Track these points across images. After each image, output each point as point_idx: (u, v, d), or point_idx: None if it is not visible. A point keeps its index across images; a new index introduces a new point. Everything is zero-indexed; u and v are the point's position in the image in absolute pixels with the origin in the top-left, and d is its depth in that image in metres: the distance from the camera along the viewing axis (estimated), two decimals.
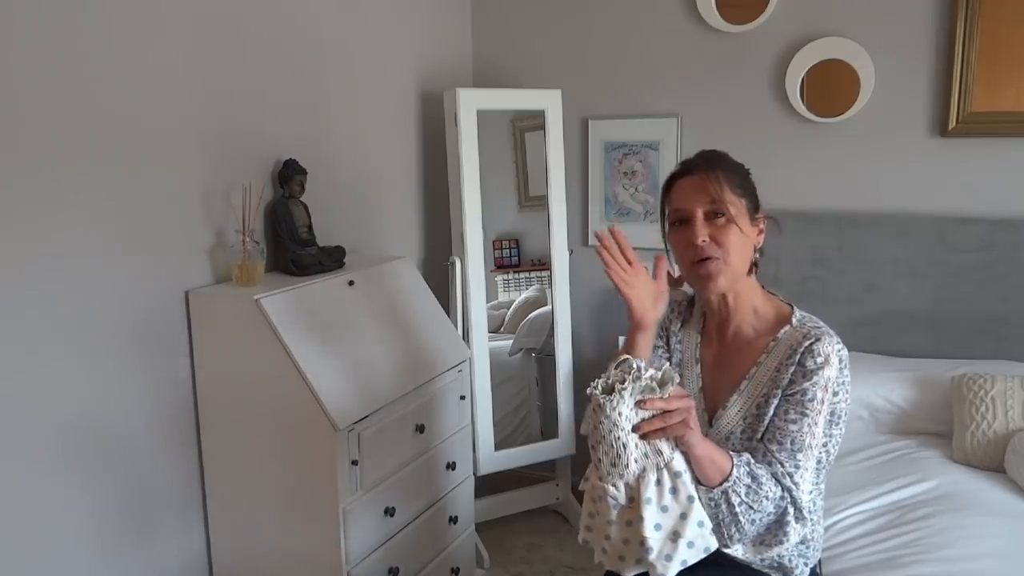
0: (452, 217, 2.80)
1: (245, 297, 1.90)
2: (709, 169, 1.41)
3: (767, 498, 1.32)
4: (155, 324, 1.92)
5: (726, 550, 1.37)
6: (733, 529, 1.32)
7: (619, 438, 1.25)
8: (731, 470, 1.30)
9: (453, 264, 2.72)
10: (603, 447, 1.27)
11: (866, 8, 2.63)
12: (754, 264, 1.46)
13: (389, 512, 2.03)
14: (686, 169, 1.45)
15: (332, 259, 2.22)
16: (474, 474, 2.59)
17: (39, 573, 1.70)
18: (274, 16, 2.21)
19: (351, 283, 2.16)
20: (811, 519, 1.41)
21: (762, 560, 1.44)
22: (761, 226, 1.47)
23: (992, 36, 2.48)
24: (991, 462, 2.14)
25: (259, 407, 1.94)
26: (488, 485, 2.93)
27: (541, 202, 2.90)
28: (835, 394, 1.38)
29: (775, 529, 1.38)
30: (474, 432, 2.68)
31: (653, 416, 1.25)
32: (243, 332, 1.91)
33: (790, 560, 1.45)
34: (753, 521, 1.33)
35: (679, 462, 1.28)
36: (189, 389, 2.02)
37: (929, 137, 2.62)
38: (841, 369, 1.38)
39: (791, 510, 1.36)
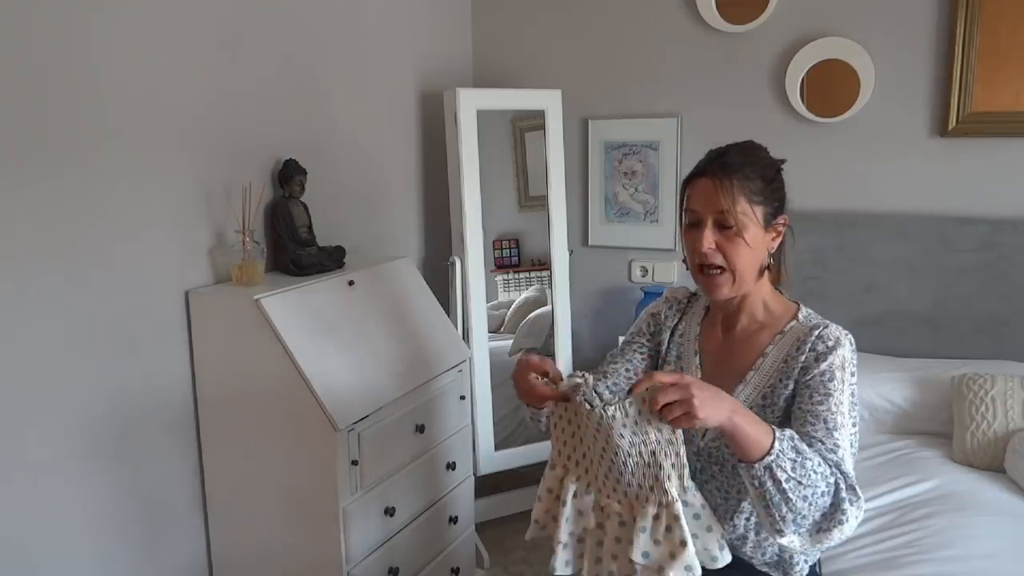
0: (452, 217, 2.80)
1: (245, 297, 1.90)
2: (725, 176, 1.36)
3: (815, 472, 1.21)
4: (155, 324, 1.92)
5: (781, 540, 1.25)
6: (784, 509, 1.21)
7: (630, 457, 1.26)
8: (772, 443, 1.20)
9: (453, 264, 2.72)
10: (606, 461, 1.29)
11: (866, 8, 2.63)
12: (766, 267, 1.45)
13: (389, 512, 2.03)
14: (703, 171, 1.41)
15: (332, 259, 2.22)
16: (474, 474, 2.59)
17: (41, 573, 1.70)
18: (274, 16, 2.21)
19: (351, 283, 2.16)
20: (863, 500, 1.31)
21: (807, 554, 1.45)
22: (779, 229, 1.44)
23: (992, 36, 2.48)
24: (991, 462, 2.14)
25: (259, 407, 1.94)
26: (488, 485, 2.93)
27: (541, 202, 2.90)
28: (852, 374, 1.36)
29: (830, 513, 1.26)
30: (474, 432, 2.68)
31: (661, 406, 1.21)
32: (243, 332, 1.91)
33: (791, 556, 1.45)
34: (805, 498, 1.21)
35: (679, 507, 1.26)
36: (189, 389, 2.02)
37: (929, 137, 2.62)
38: (853, 351, 1.38)
39: (843, 486, 1.25)
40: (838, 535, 1.25)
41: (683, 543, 1.24)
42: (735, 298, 1.46)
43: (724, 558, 1.29)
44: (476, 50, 3.22)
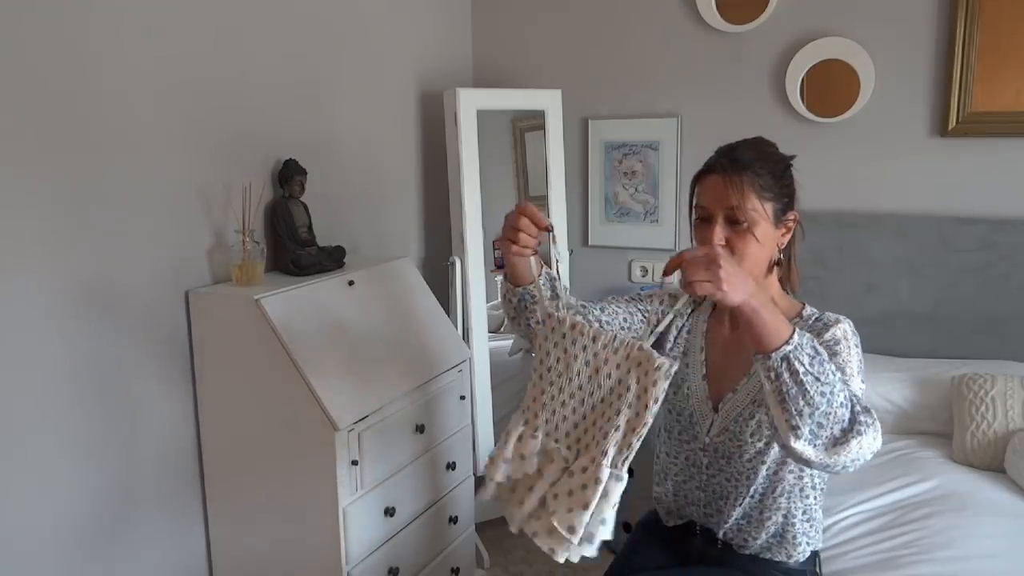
0: (452, 217, 2.80)
1: (245, 297, 1.90)
2: (736, 173, 1.37)
3: (834, 374, 1.17)
4: (155, 324, 1.92)
5: (795, 444, 1.18)
6: (802, 402, 1.15)
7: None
8: (792, 335, 1.16)
9: (453, 264, 2.72)
10: (576, 399, 1.26)
11: (866, 8, 2.63)
12: (776, 263, 1.45)
13: (389, 512, 2.03)
14: (713, 167, 1.41)
15: (332, 259, 2.22)
16: (474, 474, 2.59)
17: (39, 571, 1.70)
18: (274, 16, 2.21)
19: (351, 283, 2.16)
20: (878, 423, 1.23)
21: (808, 535, 1.46)
22: (789, 225, 1.44)
23: (992, 36, 2.48)
24: (991, 462, 2.14)
25: (259, 407, 1.94)
26: None
27: (541, 202, 2.90)
28: (857, 347, 1.37)
29: (848, 428, 1.19)
30: (474, 432, 2.68)
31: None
32: (243, 332, 1.91)
33: (793, 536, 1.45)
34: (823, 394, 1.15)
35: (606, 472, 1.22)
36: (189, 389, 2.02)
37: (929, 137, 2.62)
38: (855, 333, 1.38)
39: (859, 407, 1.20)
40: (856, 447, 1.18)
41: (585, 506, 1.21)
42: None
43: (595, 545, 1.24)
44: (476, 50, 3.22)
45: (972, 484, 2.05)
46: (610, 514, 1.22)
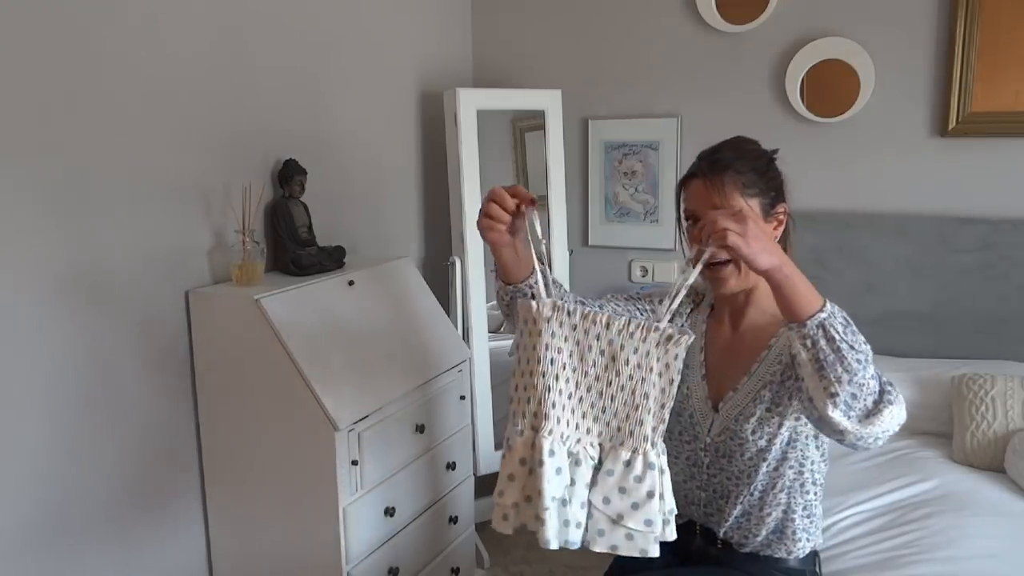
0: (452, 217, 2.80)
1: (245, 297, 1.90)
2: (716, 175, 1.38)
3: (865, 345, 1.17)
4: (155, 324, 1.92)
5: (831, 414, 1.17)
6: (839, 369, 1.15)
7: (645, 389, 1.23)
8: (824, 303, 1.17)
9: (453, 264, 2.72)
10: (592, 394, 1.25)
11: (866, 8, 2.63)
12: None
13: (389, 512, 2.03)
14: (695, 172, 1.43)
15: (332, 259, 2.22)
16: (474, 474, 2.59)
17: (39, 572, 1.70)
18: (274, 17, 2.21)
19: (351, 283, 2.16)
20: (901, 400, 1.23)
21: (808, 531, 1.46)
22: (780, 218, 1.45)
23: (992, 36, 2.48)
24: (991, 462, 2.14)
25: (259, 407, 1.94)
26: (488, 485, 2.92)
27: (541, 202, 2.90)
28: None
29: (878, 398, 1.20)
30: (474, 432, 2.68)
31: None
32: (243, 332, 1.91)
33: (793, 531, 1.45)
34: (859, 361, 1.15)
35: (654, 455, 1.23)
36: (189, 389, 2.02)
37: (929, 137, 2.62)
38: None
39: (884, 378, 1.21)
40: (888, 417, 1.18)
41: (650, 495, 1.21)
42: (742, 292, 1.46)
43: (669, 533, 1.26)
44: (476, 50, 3.22)
45: (972, 484, 2.05)
46: (668, 485, 1.25)
